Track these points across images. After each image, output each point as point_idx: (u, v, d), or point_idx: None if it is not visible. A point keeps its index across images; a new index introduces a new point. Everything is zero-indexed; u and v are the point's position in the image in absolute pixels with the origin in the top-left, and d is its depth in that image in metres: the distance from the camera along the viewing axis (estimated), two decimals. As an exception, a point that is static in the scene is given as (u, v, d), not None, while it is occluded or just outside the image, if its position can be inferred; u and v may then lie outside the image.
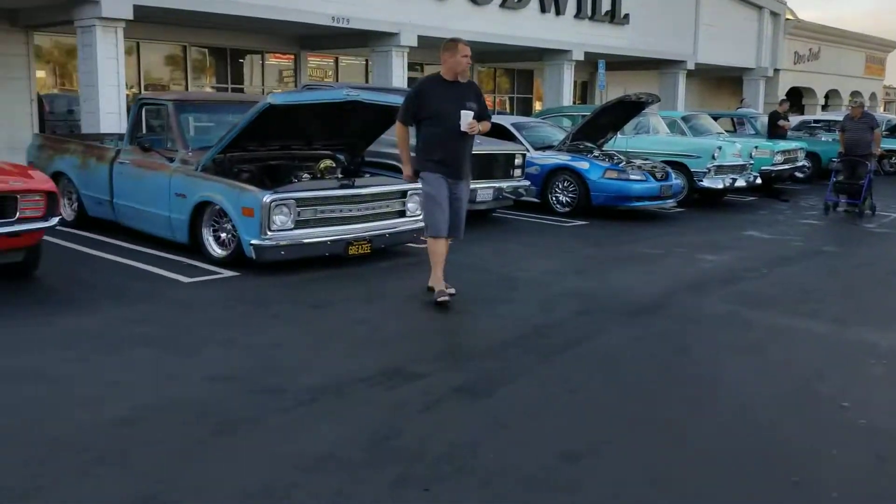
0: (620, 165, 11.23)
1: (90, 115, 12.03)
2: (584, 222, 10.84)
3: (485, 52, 21.84)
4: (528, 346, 5.22)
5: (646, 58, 23.44)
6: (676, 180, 11.83)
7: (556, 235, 9.88)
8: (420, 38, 16.39)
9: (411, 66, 19.88)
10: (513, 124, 12.20)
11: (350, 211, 7.39)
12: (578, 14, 20.43)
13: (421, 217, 8.02)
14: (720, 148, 12.91)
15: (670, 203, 11.61)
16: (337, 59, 20.01)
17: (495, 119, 13.87)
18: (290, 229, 7.00)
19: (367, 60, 20.21)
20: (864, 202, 12.35)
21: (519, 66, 24.51)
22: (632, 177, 11.07)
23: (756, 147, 14.07)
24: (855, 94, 32.00)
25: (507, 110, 25.29)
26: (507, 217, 11.05)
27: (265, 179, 7.24)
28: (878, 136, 12.83)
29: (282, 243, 6.93)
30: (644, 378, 4.64)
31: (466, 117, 5.95)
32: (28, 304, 5.84)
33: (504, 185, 10.28)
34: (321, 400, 4.11)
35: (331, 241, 7.21)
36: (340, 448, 3.52)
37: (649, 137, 13.74)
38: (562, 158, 11.47)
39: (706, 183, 12.68)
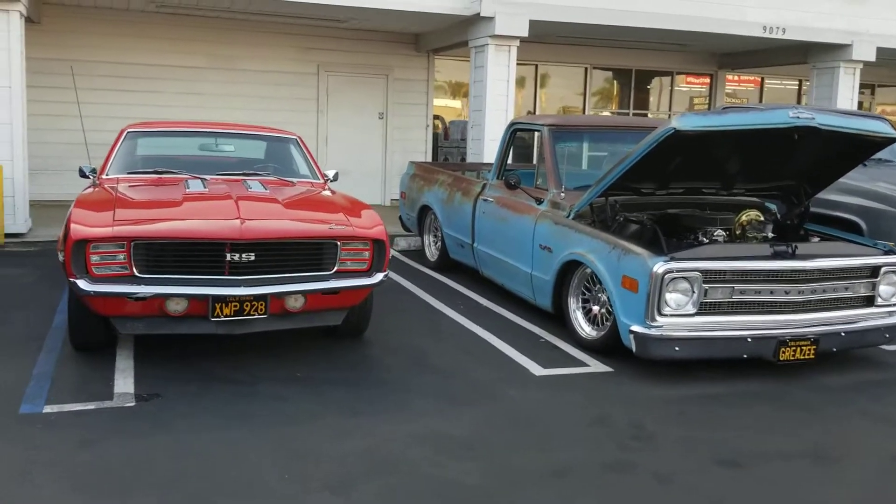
0: None
1: (476, 142, 11.04)
2: None
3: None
4: None
5: None
6: None
7: None
8: (879, 50, 12.70)
9: (861, 87, 16.02)
10: None
11: (787, 293, 4.82)
12: None
13: (901, 308, 5.14)
14: None
15: None
16: (762, 80, 16.94)
17: None
18: (691, 314, 4.70)
19: (799, 81, 16.79)
20: None
21: None
22: None
23: None
24: None
25: None
26: None
27: (660, 236, 5.06)
28: None
29: (677, 335, 4.67)
30: None
31: None
32: (333, 388, 4.41)
33: None
34: None
35: (753, 337, 4.74)
36: None
37: None
38: None
39: None
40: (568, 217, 5.61)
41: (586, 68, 15.03)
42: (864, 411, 4.37)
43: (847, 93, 12.76)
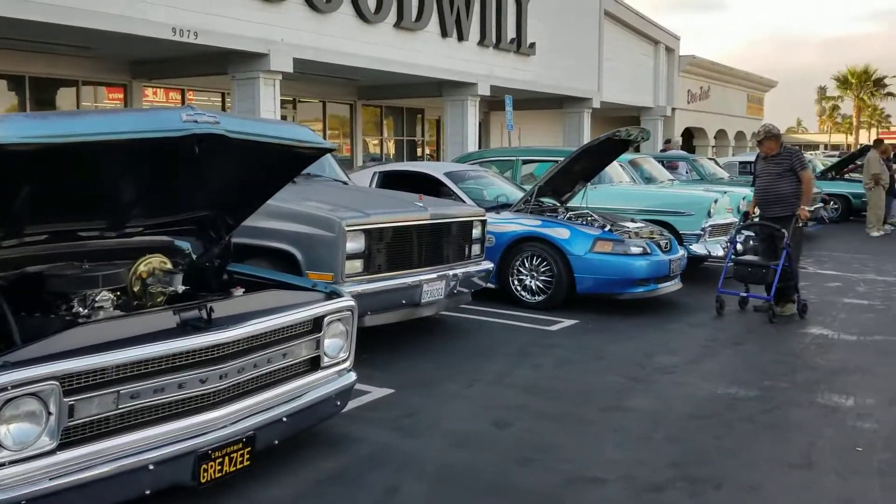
0: (615, 233, 7.68)
1: None
2: (572, 321, 7.15)
3: (373, 87, 18.16)
4: None
5: (551, 94, 20.56)
6: (681, 249, 8.43)
7: (549, 355, 6.10)
8: (296, 61, 12.44)
9: (282, 102, 15.92)
10: (448, 174, 8.42)
11: (203, 382, 3.28)
12: (482, 41, 17.19)
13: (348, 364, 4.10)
14: (716, 201, 9.74)
15: (676, 285, 8.09)
16: (183, 92, 15.63)
17: (415, 167, 10.09)
18: (51, 452, 2.82)
19: (223, 95, 15.97)
20: (780, 299, 7.32)
21: (408, 104, 20.98)
22: (632, 249, 7.54)
23: (744, 198, 11.00)
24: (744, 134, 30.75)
25: (392, 156, 21.65)
26: (452, 317, 7.20)
27: (8, 320, 3.07)
28: (808, 180, 7.44)
29: (24, 494, 2.74)
30: None
31: None
32: None
33: (460, 271, 6.41)
34: None
35: (158, 461, 3.08)
36: None
37: (615, 189, 10.38)
38: (528, 224, 7.78)
39: (697, 249, 9.39)
40: None
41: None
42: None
43: (269, 105, 12.22)
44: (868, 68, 58.99)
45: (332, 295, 4.07)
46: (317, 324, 3.87)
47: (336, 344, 4.01)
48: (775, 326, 7.07)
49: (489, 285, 7.29)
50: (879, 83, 60.00)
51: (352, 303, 4.05)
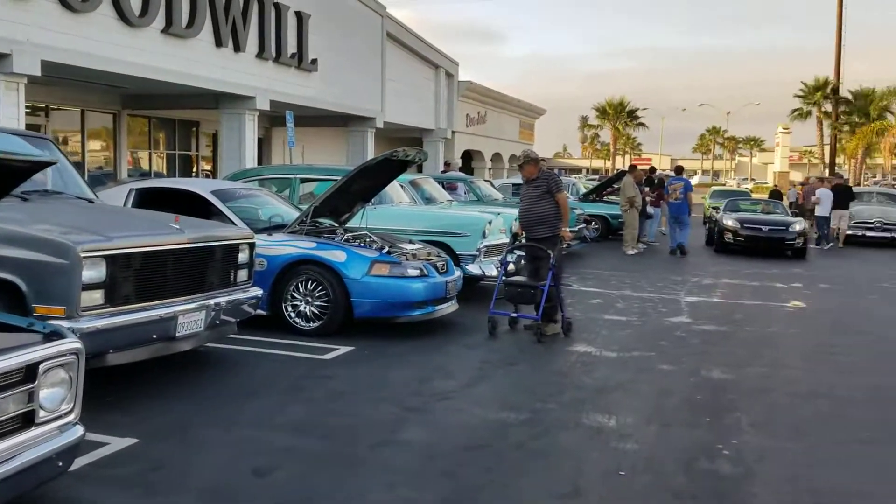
0: (393, 255, 7.50)
1: None
2: (348, 348, 6.86)
3: (141, 96, 16.80)
4: None
5: (334, 112, 20.27)
6: (457, 270, 8.45)
7: (322, 387, 5.75)
8: (46, 64, 11.10)
9: (33, 109, 14.31)
10: (215, 193, 7.79)
11: None
12: (261, 53, 16.50)
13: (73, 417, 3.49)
14: (491, 222, 9.94)
15: (453, 306, 8.08)
16: None
17: (178, 184, 9.26)
18: None
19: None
20: (547, 319, 7.56)
21: (181, 116, 19.70)
22: (409, 272, 7.41)
23: (516, 219, 11.35)
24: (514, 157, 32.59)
25: (164, 171, 20.22)
26: (216, 350, 6.62)
27: None
28: (563, 202, 7.79)
29: None
30: None
31: None
32: None
33: (223, 299, 5.87)
34: None
35: None
36: None
37: (394, 209, 10.27)
38: (303, 246, 7.39)
39: (473, 269, 9.53)
40: None
41: None
42: None
43: (12, 112, 10.76)
44: (623, 101, 65.26)
45: (53, 336, 3.43)
46: (30, 372, 3.23)
47: (56, 394, 3.39)
48: (544, 345, 7.26)
49: (260, 312, 6.82)
50: (633, 115, 66.61)
51: (77, 345, 3.44)
